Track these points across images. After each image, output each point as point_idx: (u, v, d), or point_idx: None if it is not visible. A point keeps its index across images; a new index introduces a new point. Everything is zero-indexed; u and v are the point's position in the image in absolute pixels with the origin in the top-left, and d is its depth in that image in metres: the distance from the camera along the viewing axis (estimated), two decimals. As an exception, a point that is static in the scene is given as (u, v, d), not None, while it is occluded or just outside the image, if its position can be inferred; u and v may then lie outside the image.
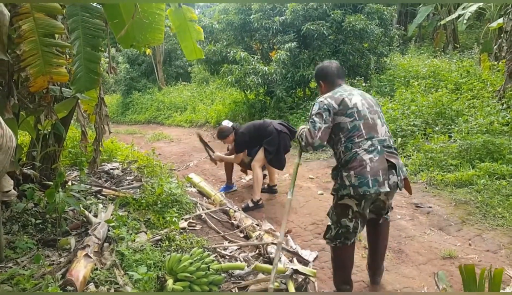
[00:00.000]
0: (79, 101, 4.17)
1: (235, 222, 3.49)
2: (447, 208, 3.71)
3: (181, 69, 17.56)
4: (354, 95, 2.24)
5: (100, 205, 3.32)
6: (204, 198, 4.36)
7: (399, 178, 2.13)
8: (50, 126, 3.71)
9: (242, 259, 2.69)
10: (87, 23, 2.77)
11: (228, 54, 8.28)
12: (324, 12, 7.82)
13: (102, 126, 4.50)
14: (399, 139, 5.57)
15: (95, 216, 3.13)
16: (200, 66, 10.57)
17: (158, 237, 2.85)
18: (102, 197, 3.72)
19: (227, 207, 3.80)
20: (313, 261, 2.86)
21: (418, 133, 5.48)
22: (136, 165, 5.23)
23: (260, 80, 7.59)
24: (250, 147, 4.35)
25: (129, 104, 16.24)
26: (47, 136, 3.76)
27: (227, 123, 4.77)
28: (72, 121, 4.77)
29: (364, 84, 7.78)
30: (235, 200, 4.48)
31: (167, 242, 2.77)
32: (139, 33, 2.53)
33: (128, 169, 5.03)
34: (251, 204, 4.07)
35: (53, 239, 2.84)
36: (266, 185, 4.61)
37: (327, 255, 2.99)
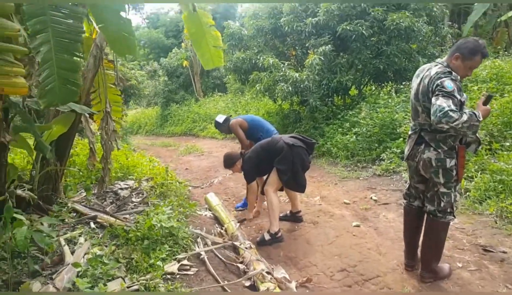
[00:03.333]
0: (87, 115, 3.83)
1: (241, 266, 2.79)
2: (530, 255, 2.72)
3: (218, 80, 17.39)
4: (417, 77, 2.47)
5: (82, 239, 2.81)
6: (216, 225, 3.75)
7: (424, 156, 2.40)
8: (49, 144, 3.35)
9: (235, 328, 2.00)
10: (59, 24, 2.29)
11: (257, 61, 7.69)
12: (363, 11, 6.93)
13: (110, 142, 4.12)
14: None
15: (73, 252, 2.62)
16: (230, 76, 10.09)
17: (136, 287, 2.26)
18: (94, 225, 3.22)
19: (237, 242, 3.12)
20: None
21: (482, 149, 4.42)
22: (150, 184, 4.77)
23: (290, 88, 6.86)
24: (262, 173, 3.67)
25: (167, 116, 16.35)
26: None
27: (220, 118, 4.39)
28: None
29: (412, 90, 6.77)
30: (252, 229, 3.81)
31: (143, 296, 2.17)
32: (112, 44, 2.02)
33: (139, 188, 4.56)
34: (267, 237, 3.35)
35: (19, 282, 2.38)
36: (288, 212, 3.87)
37: (357, 321, 2.21)
